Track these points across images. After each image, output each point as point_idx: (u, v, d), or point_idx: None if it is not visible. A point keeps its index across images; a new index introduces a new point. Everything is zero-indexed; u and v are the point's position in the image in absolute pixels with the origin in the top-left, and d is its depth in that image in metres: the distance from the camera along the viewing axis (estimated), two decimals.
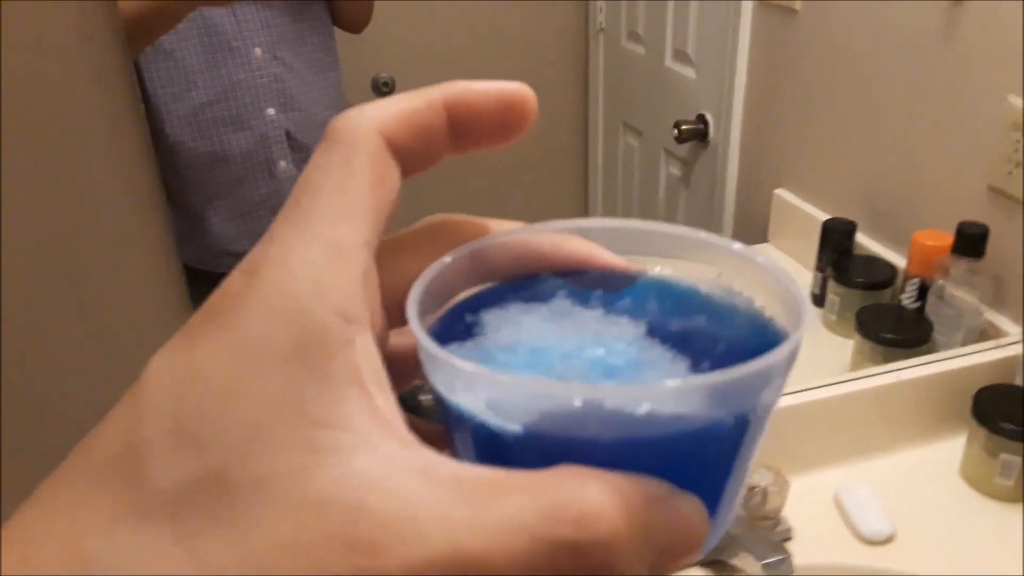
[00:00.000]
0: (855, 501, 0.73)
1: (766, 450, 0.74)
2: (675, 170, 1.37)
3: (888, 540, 0.70)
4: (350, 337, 0.18)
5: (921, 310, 0.85)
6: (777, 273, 0.22)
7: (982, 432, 0.74)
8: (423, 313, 0.20)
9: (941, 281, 0.82)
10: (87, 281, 0.69)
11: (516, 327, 0.21)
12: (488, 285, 0.24)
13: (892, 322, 0.85)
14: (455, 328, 0.22)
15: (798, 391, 0.76)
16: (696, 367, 0.20)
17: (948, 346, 0.82)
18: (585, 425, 0.17)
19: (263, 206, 0.97)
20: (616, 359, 0.20)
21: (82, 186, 0.67)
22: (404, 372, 0.22)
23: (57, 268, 0.68)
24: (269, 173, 0.97)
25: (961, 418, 0.77)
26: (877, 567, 0.67)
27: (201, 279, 0.82)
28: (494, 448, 0.18)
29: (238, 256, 0.19)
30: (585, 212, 1.21)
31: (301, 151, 0.98)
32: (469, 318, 0.22)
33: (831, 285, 0.92)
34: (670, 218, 1.36)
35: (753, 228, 1.14)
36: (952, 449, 0.78)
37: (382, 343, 0.20)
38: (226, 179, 0.95)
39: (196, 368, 0.18)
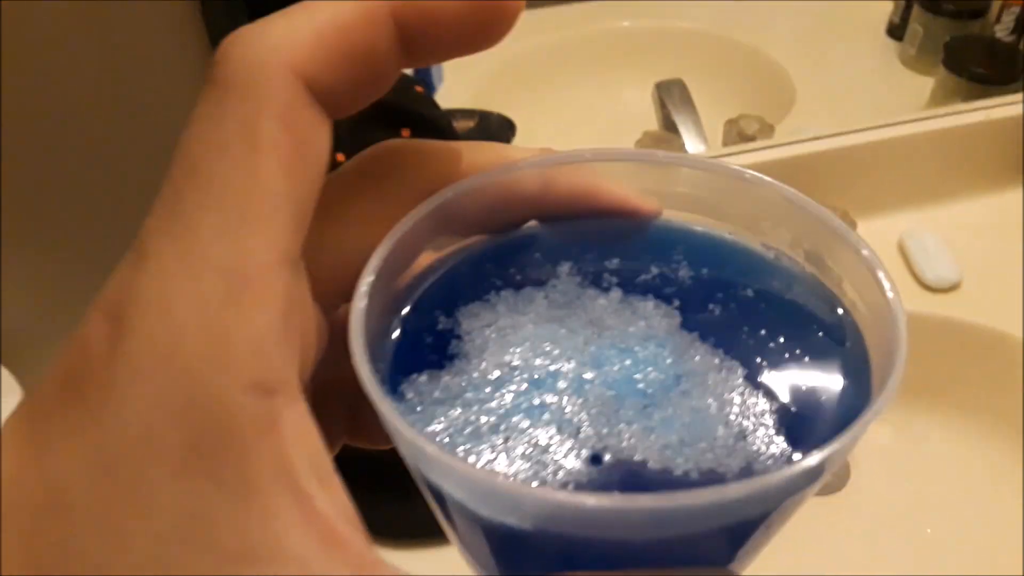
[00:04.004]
0: (921, 247, 0.72)
1: (834, 191, 0.72)
2: None
3: (953, 287, 0.70)
4: (272, 416, 0.13)
5: (1016, 43, 0.80)
6: (863, 255, 0.17)
7: None
8: (375, 319, 0.16)
9: None
10: None
11: (507, 339, 0.17)
12: (461, 250, 0.19)
13: (983, 55, 0.80)
14: (424, 343, 0.17)
15: (873, 128, 0.73)
16: (753, 380, 0.16)
17: None
18: (616, 528, 0.14)
19: None
20: (648, 383, 0.16)
21: None
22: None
23: None
24: None
25: None
26: (940, 314, 0.67)
27: None
28: (483, 534, 0.15)
29: None
30: None
31: None
32: (443, 322, 0.18)
33: (915, 13, 0.85)
34: None
35: None
36: None
37: (320, 364, 0.16)
38: None
39: (52, 485, 0.13)
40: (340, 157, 0.64)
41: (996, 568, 0.58)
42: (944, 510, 0.62)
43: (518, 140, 0.73)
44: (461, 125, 0.70)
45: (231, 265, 0.13)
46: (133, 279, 0.14)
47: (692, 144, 0.77)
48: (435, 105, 0.69)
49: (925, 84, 0.84)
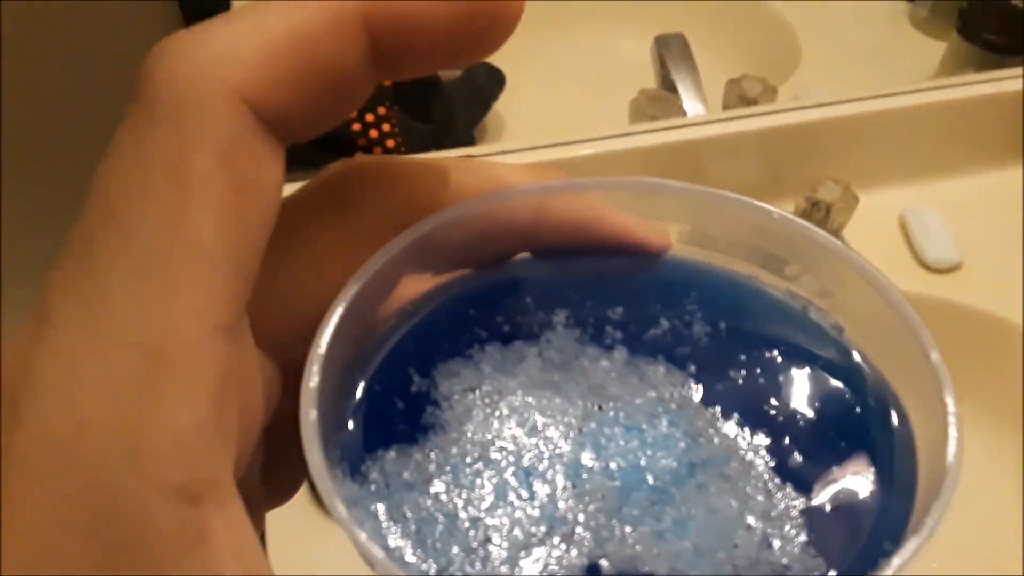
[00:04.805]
0: (922, 224, 0.70)
1: (836, 161, 0.69)
2: None
3: (953, 268, 0.68)
4: (199, 527, 0.11)
5: None
6: (900, 308, 0.15)
7: None
8: (336, 379, 0.14)
9: None
10: None
11: (492, 408, 0.15)
12: (440, 290, 0.16)
13: (998, 23, 0.77)
14: (395, 409, 0.15)
15: (880, 96, 0.70)
16: (780, 471, 0.14)
17: None
18: None
19: None
20: (657, 473, 0.14)
21: None
22: None
23: None
24: None
25: None
26: (939, 296, 0.65)
27: None
28: None
29: None
30: None
31: None
32: (417, 383, 0.15)
33: None
34: None
35: None
36: None
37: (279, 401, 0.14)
38: None
39: None
40: None
41: (992, 555, 0.58)
42: None
43: (507, 94, 0.70)
44: (447, 75, 0.67)
45: (150, 341, 0.11)
46: (32, 352, 0.12)
47: (691, 105, 0.74)
48: None
49: (936, 49, 0.81)
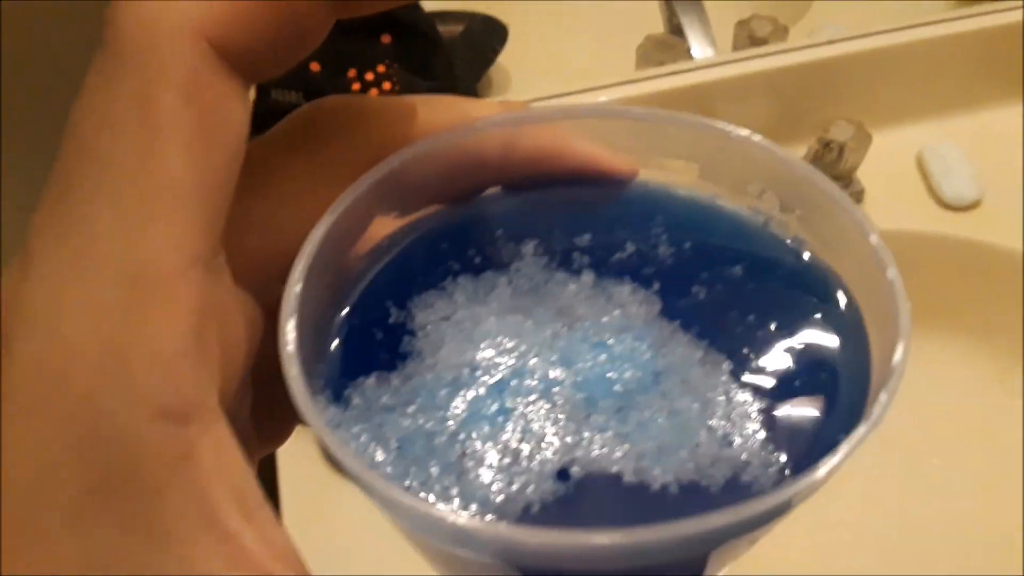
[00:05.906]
0: (941, 161, 0.70)
1: (850, 100, 0.69)
2: None
3: (972, 206, 0.68)
4: (185, 446, 0.12)
5: None
6: (859, 223, 0.16)
7: None
8: (316, 312, 0.15)
9: None
10: None
11: (466, 334, 0.16)
12: (414, 227, 0.17)
13: None
14: (374, 340, 0.16)
15: (893, 30, 0.70)
16: (739, 376, 0.15)
17: None
18: (577, 562, 0.13)
19: None
20: (623, 383, 0.15)
21: None
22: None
23: None
24: None
25: None
26: (957, 235, 0.66)
27: None
28: (440, 558, 0.15)
29: None
30: None
31: None
32: (394, 315, 0.16)
33: None
34: None
35: None
36: None
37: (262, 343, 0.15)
38: None
39: None
40: (315, 67, 0.62)
41: (1007, 498, 0.59)
42: (958, 440, 0.62)
43: (510, 46, 0.70)
44: (447, 30, 0.67)
45: (130, 271, 0.12)
46: (18, 287, 0.12)
47: (699, 48, 0.74)
48: (418, 7, 0.66)
49: None
